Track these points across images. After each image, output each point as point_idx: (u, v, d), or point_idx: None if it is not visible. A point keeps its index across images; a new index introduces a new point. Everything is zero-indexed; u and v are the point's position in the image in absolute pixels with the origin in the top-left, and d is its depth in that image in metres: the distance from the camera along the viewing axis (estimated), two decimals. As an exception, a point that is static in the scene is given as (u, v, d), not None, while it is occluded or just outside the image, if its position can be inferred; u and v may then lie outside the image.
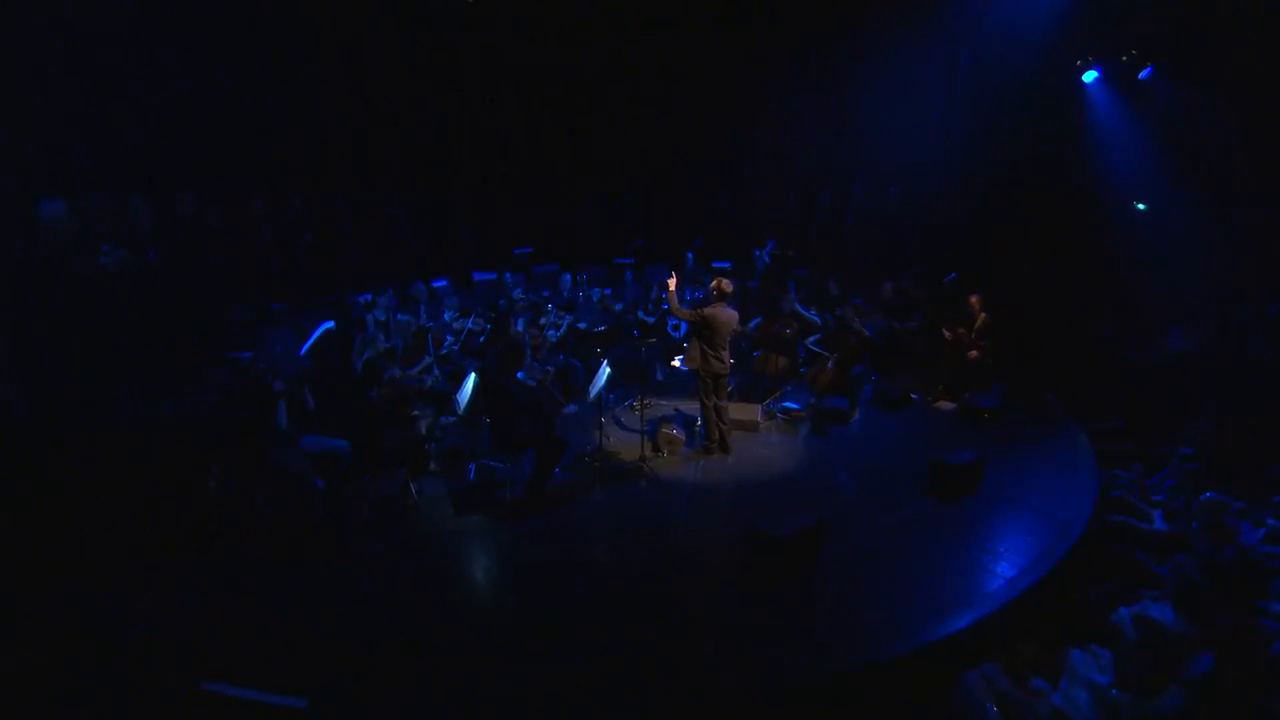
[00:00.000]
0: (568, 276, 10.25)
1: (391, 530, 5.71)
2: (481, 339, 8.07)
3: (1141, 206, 10.67)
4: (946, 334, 8.37)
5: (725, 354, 6.86)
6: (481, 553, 5.61)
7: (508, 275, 10.23)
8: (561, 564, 5.34)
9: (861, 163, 11.66)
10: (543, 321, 8.79)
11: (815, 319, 8.61)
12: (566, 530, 5.78)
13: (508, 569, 5.44)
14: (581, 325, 9.15)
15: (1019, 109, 10.21)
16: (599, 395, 6.71)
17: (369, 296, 9.35)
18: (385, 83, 11.02)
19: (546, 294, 10.07)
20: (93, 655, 4.24)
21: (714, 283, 6.81)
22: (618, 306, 9.46)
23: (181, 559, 5.11)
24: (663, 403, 8.32)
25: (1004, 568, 5.17)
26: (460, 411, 6.44)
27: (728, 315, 6.80)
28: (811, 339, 8.32)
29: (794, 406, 8.09)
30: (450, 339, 7.93)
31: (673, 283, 6.92)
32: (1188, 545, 5.36)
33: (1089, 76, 10.09)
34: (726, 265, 10.47)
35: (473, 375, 6.50)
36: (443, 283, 10.63)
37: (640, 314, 9.45)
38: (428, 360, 7.10)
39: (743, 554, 5.30)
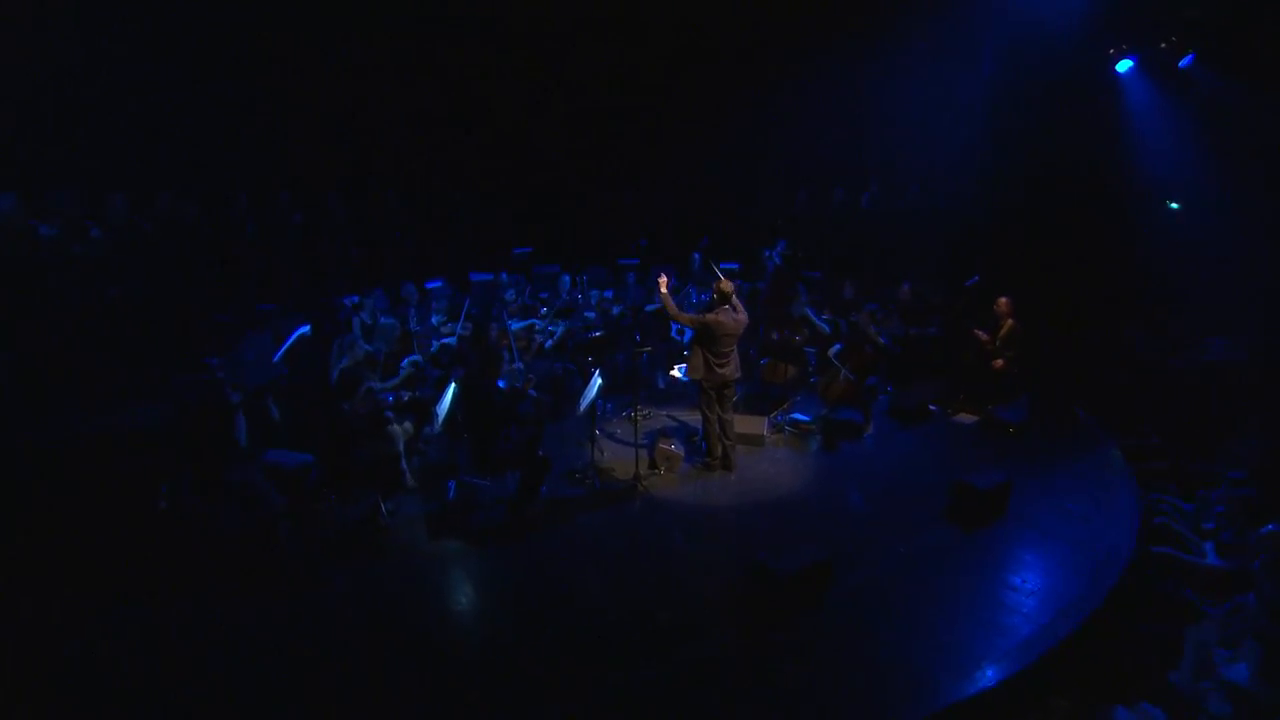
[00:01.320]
0: (566, 278, 9.76)
1: (358, 555, 5.24)
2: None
3: (1174, 206, 10.01)
4: (981, 336, 7.77)
5: (731, 361, 6.33)
6: (455, 583, 5.12)
7: (504, 276, 9.77)
8: (542, 598, 4.83)
9: (879, 159, 11.05)
10: (536, 326, 8.29)
11: (824, 327, 8.01)
12: (549, 559, 5.27)
13: (483, 602, 4.95)
14: (583, 322, 8.65)
15: (1047, 101, 9.57)
16: (590, 407, 6.20)
17: (356, 298, 8.94)
18: (380, 77, 10.60)
19: (545, 295, 9.58)
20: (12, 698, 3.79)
21: (716, 285, 6.27)
22: (615, 310, 8.95)
23: (122, 586, 4.65)
24: (662, 413, 7.81)
25: (1036, 609, 4.59)
26: (438, 424, 5.95)
27: (733, 320, 6.26)
28: (833, 349, 7.72)
29: (803, 419, 7.55)
30: (436, 345, 7.43)
31: (664, 281, 6.40)
32: (1247, 585, 4.74)
33: (1123, 66, 9.42)
34: (734, 266, 9.95)
35: (453, 385, 6.01)
36: (437, 283, 10.20)
37: (647, 308, 8.92)
38: (407, 370, 6.59)
39: (742, 590, 4.77)
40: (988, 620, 4.51)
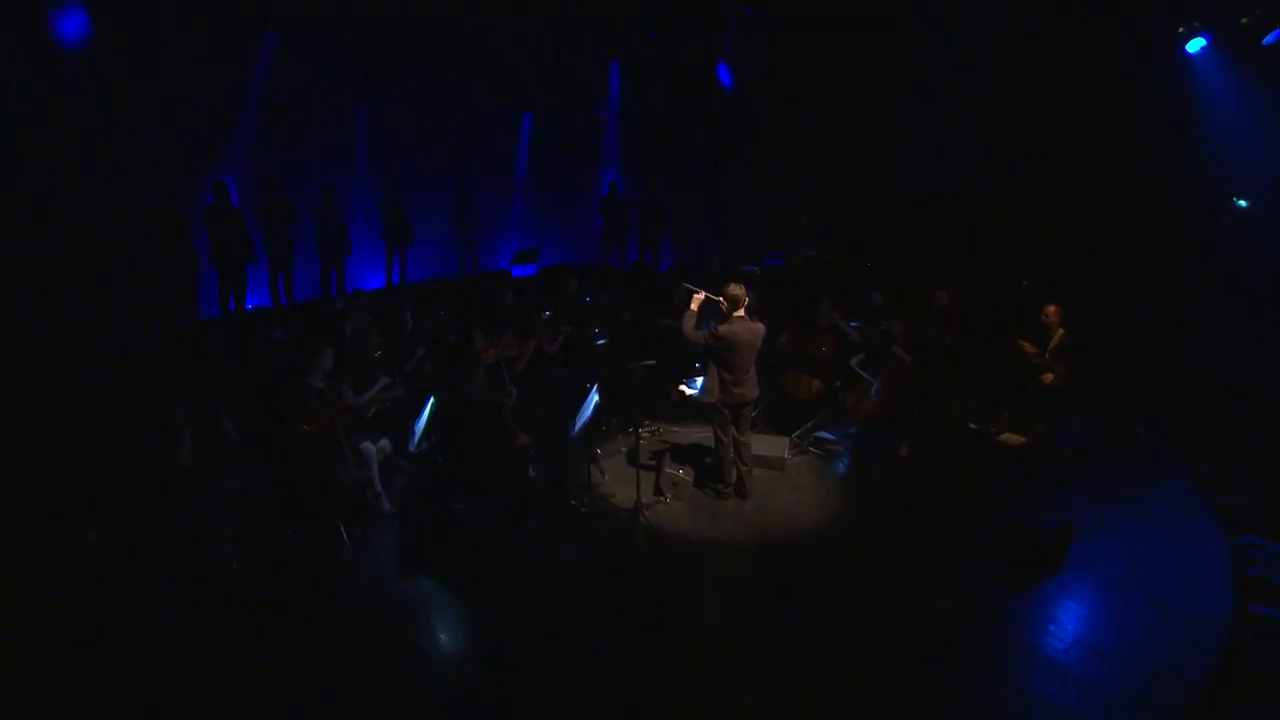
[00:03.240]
0: (574, 280, 9.10)
1: (315, 593, 4.59)
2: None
3: (1242, 204, 9.00)
4: (1029, 347, 6.92)
5: (749, 379, 5.56)
6: (422, 629, 4.44)
7: (513, 274, 9.20)
8: (521, 649, 4.16)
9: (914, 151, 10.20)
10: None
11: (853, 334, 7.21)
12: (534, 601, 4.57)
13: (453, 653, 4.28)
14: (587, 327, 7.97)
15: (1106, 86, 8.63)
16: (587, 425, 5.50)
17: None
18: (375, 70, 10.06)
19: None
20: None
21: (725, 290, 5.48)
22: (626, 315, 8.25)
23: (40, 628, 4.05)
24: (674, 429, 7.08)
25: (1116, 690, 3.76)
26: (414, 443, 5.31)
27: (750, 332, 5.48)
28: (855, 359, 6.95)
29: (829, 438, 6.78)
30: (419, 353, 6.78)
31: (698, 298, 5.50)
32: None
33: (1194, 46, 8.44)
34: (753, 269, 9.21)
35: (431, 400, 5.36)
36: (435, 286, 9.67)
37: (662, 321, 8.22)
38: (385, 380, 5.94)
39: (750, 656, 4.01)
40: (1054, 708, 3.68)
